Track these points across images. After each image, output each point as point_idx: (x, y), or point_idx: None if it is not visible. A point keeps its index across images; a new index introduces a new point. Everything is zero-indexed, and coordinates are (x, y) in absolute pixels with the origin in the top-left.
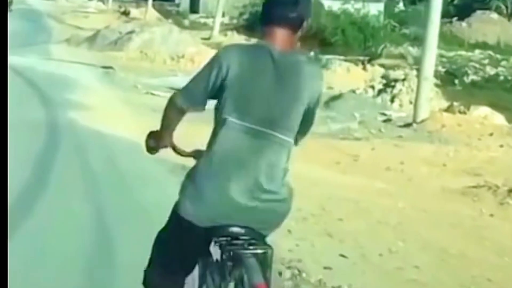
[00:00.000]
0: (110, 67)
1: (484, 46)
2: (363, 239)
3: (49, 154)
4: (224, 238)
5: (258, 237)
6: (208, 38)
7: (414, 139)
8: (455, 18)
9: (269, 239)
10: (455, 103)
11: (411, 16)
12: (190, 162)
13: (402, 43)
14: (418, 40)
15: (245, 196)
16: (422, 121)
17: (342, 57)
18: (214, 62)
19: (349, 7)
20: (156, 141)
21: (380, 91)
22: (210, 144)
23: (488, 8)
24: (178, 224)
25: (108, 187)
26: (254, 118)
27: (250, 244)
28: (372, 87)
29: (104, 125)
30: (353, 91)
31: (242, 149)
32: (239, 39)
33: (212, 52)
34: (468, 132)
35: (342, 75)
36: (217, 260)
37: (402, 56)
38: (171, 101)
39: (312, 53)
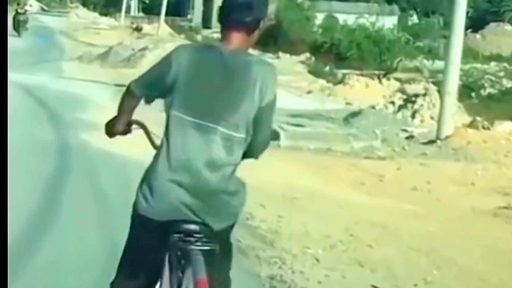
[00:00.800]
0: (124, 85)
1: (498, 58)
2: (396, 267)
3: (60, 178)
4: (178, 235)
5: (211, 235)
6: None
7: (439, 157)
8: (469, 30)
9: (297, 269)
10: (478, 118)
11: (424, 29)
12: None
13: (416, 56)
14: (432, 53)
15: (195, 188)
16: (446, 137)
17: (357, 72)
18: (165, 60)
19: (364, 21)
20: (113, 126)
21: (400, 107)
22: (163, 139)
23: (502, 20)
24: (138, 222)
25: (122, 213)
26: (201, 114)
27: (198, 241)
28: (393, 102)
29: (117, 146)
30: (373, 107)
31: (191, 143)
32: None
33: None
34: (494, 149)
35: (360, 90)
36: (169, 255)
37: (417, 70)
38: (127, 89)
39: (327, 68)
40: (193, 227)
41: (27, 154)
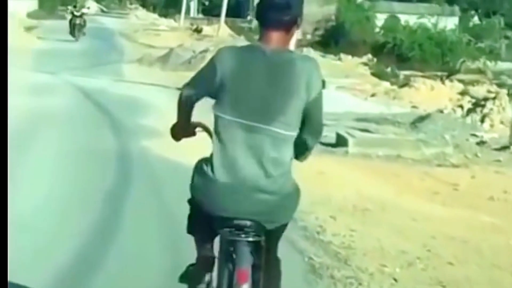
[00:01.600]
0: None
1: None
2: None
3: (121, 188)
4: (228, 229)
5: (260, 230)
6: None
7: None
8: None
9: None
10: None
11: (485, 29)
12: None
13: (478, 57)
14: (493, 54)
15: (247, 187)
16: None
17: (419, 73)
18: (209, 64)
19: (426, 21)
20: (176, 130)
21: (469, 111)
22: (213, 140)
23: None
24: (193, 206)
25: (185, 223)
26: (248, 114)
27: (246, 234)
28: (461, 106)
29: (180, 154)
30: (441, 111)
31: (240, 144)
32: (315, 55)
33: None
34: None
35: (425, 93)
36: (220, 249)
37: (480, 71)
38: (180, 94)
39: (389, 69)
40: (243, 222)
41: (86, 162)
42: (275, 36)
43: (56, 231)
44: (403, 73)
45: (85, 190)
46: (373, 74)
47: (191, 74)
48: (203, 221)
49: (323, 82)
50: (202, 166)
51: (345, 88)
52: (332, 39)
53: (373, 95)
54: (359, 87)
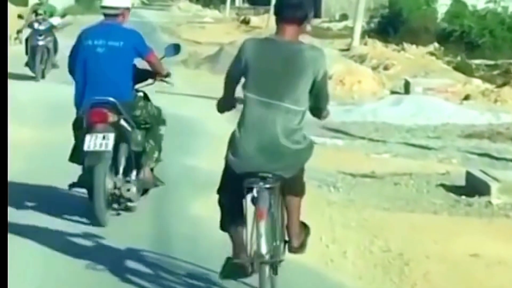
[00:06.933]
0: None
1: None
2: None
3: None
4: (252, 179)
5: (277, 179)
6: (347, 49)
7: None
8: None
9: None
10: None
11: None
12: None
13: None
14: None
15: (265, 151)
16: None
17: (491, 62)
18: (237, 54)
19: (495, 5)
20: (221, 103)
21: None
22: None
23: None
24: (227, 169)
25: None
26: (267, 93)
27: (264, 181)
28: None
29: None
30: None
31: (260, 116)
32: (381, 49)
33: (362, 70)
34: None
35: None
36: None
37: None
38: (226, 73)
39: (458, 58)
40: (265, 174)
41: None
42: (289, 30)
43: None
44: (473, 62)
45: None
46: (455, 68)
47: None
48: (234, 182)
49: (408, 84)
50: (232, 138)
51: (434, 89)
52: (390, 27)
53: (466, 97)
54: (451, 88)
